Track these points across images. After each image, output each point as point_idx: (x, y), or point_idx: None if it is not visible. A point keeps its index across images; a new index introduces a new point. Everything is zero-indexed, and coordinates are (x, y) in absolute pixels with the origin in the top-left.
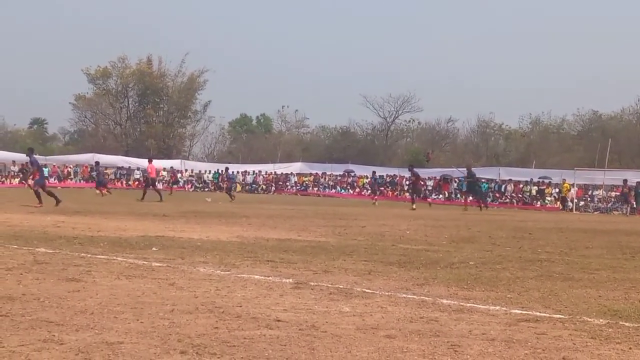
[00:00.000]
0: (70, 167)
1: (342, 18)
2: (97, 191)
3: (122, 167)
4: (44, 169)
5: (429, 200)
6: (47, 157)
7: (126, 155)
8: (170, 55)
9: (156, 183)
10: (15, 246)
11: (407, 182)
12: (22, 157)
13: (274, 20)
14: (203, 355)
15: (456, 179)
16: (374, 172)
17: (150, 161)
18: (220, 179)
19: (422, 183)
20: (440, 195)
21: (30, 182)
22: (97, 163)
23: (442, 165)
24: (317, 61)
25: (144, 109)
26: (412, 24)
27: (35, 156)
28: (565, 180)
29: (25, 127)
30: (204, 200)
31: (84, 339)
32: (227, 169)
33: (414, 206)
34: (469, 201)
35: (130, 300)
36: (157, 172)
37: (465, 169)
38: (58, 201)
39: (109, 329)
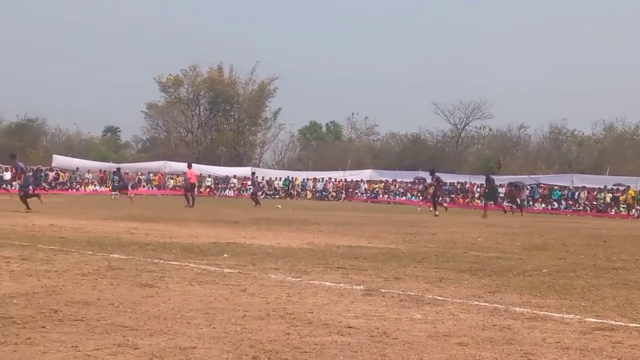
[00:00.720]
0: (142, 175)
1: (412, 26)
2: (117, 195)
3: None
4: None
5: (504, 207)
6: (121, 165)
7: (197, 162)
8: (241, 64)
9: (195, 189)
10: (90, 252)
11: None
12: (96, 165)
13: (344, 29)
14: None
15: (528, 187)
16: (432, 171)
17: (189, 167)
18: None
19: (442, 189)
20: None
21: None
22: (118, 169)
23: (514, 173)
24: (388, 68)
25: (215, 117)
26: (482, 31)
27: (19, 162)
28: (630, 187)
29: (99, 135)
30: (275, 207)
31: (157, 344)
32: (253, 173)
33: (437, 212)
34: (489, 206)
35: (202, 305)
36: (197, 178)
37: (529, 175)
38: (28, 209)
39: (182, 334)
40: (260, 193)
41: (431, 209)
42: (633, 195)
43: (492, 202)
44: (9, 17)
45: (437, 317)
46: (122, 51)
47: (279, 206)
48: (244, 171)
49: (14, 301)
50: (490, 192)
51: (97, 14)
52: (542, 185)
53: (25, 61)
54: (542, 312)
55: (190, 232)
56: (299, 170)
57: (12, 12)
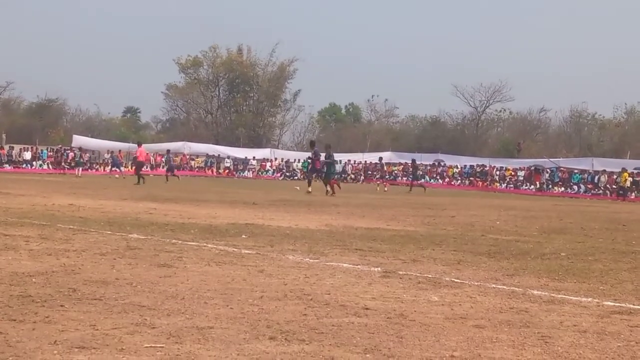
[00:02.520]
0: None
1: (432, 8)
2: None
3: (213, 155)
4: None
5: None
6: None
7: (216, 143)
8: (261, 45)
9: (143, 167)
10: (109, 232)
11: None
12: (115, 145)
13: (364, 10)
14: (292, 341)
15: (548, 170)
16: (380, 158)
17: (139, 145)
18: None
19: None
20: (532, 186)
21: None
22: (168, 151)
23: (534, 156)
24: (408, 51)
25: (234, 98)
26: (503, 12)
27: None
28: (625, 169)
29: (119, 116)
30: (293, 188)
31: (175, 323)
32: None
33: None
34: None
35: (220, 286)
36: (146, 156)
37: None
38: None
39: (200, 314)
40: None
41: (386, 188)
42: (626, 177)
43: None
44: None
45: (455, 299)
46: (143, 32)
47: (297, 188)
48: (263, 153)
49: (33, 280)
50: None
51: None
52: (562, 168)
53: (45, 42)
54: (559, 296)
55: (209, 213)
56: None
57: None
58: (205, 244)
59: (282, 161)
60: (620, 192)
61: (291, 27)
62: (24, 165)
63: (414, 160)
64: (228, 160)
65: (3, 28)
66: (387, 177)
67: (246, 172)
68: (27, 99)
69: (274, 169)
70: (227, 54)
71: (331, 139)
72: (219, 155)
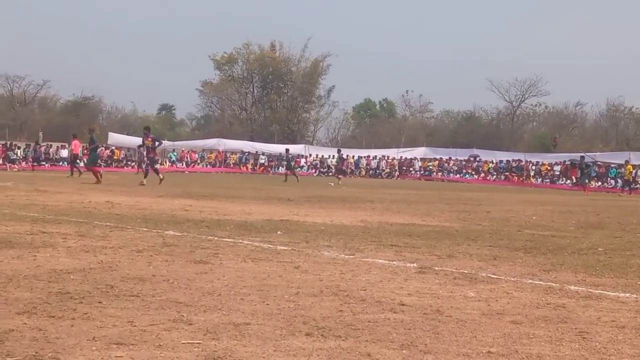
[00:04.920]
0: (196, 152)
1: (467, 1)
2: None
3: (248, 152)
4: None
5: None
6: (175, 143)
7: (251, 140)
8: (294, 41)
9: (77, 159)
10: (145, 229)
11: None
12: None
13: (398, 5)
14: (328, 337)
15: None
16: (339, 150)
17: (74, 137)
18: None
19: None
20: (568, 181)
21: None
22: (287, 150)
23: (570, 150)
24: (443, 45)
25: (268, 95)
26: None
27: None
28: (628, 161)
29: (154, 113)
30: (328, 184)
31: (211, 320)
32: (287, 150)
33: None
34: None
35: (256, 282)
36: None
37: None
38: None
39: (236, 310)
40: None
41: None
42: (630, 170)
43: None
44: None
45: (491, 295)
46: (177, 30)
47: (332, 184)
48: (298, 149)
49: (71, 277)
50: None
51: None
52: (599, 163)
53: (82, 40)
54: (597, 291)
55: (244, 210)
56: (353, 147)
57: None
58: (240, 241)
59: (316, 157)
60: (625, 185)
61: (325, 22)
62: (61, 163)
63: (287, 150)
64: (263, 157)
65: (40, 28)
66: (346, 170)
67: (281, 168)
68: (63, 97)
69: (308, 165)
70: (260, 51)
71: (365, 135)
72: (255, 152)
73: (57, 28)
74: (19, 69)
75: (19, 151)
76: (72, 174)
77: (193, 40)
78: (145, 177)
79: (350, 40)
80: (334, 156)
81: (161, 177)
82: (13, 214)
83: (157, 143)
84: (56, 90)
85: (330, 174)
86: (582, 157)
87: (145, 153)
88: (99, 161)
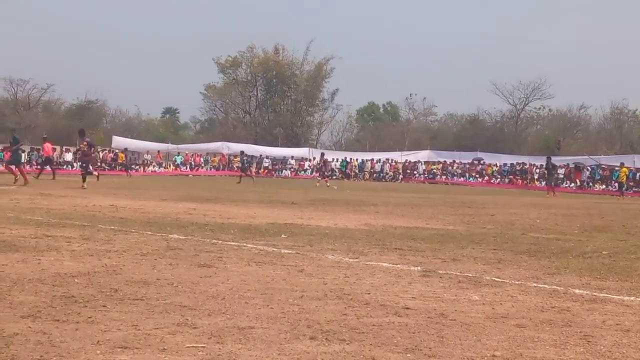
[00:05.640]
0: (201, 156)
1: (470, 4)
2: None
3: (253, 155)
4: None
5: None
6: (179, 146)
7: (255, 143)
8: (298, 45)
9: (51, 162)
10: (149, 232)
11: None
12: (153, 146)
13: (400, 7)
14: (332, 341)
15: (588, 167)
16: (322, 154)
17: (44, 140)
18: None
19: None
20: (572, 184)
21: None
22: (242, 152)
23: (574, 154)
24: (446, 49)
25: (272, 98)
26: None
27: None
28: (623, 164)
29: (158, 117)
30: (331, 188)
31: (216, 323)
32: (242, 152)
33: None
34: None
35: (260, 286)
36: (53, 151)
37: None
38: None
39: (240, 313)
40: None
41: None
42: (626, 172)
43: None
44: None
45: (495, 298)
46: (181, 33)
47: (335, 187)
48: (301, 152)
49: (76, 280)
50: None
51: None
52: (603, 166)
53: (85, 44)
54: (602, 294)
55: (248, 213)
56: (356, 151)
57: None
58: (245, 244)
59: (320, 160)
60: (619, 188)
61: (327, 25)
62: (64, 167)
63: (242, 152)
64: (267, 160)
65: (42, 31)
66: (328, 174)
67: (285, 171)
68: (67, 101)
69: (312, 169)
70: (264, 54)
71: (369, 138)
72: (260, 155)
73: (61, 31)
74: (23, 73)
75: (23, 155)
76: (54, 177)
77: (197, 43)
78: (84, 180)
79: (354, 44)
80: (337, 159)
81: (85, 184)
82: (17, 217)
83: (92, 148)
84: (60, 93)
85: (335, 177)
86: (549, 157)
87: (79, 157)
88: (22, 161)
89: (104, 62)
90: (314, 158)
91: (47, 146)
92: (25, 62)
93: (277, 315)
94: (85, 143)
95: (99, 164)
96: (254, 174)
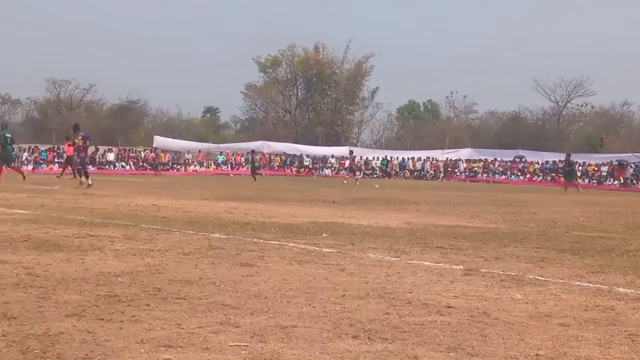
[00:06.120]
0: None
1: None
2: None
3: (293, 154)
4: None
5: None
6: (220, 145)
7: (295, 142)
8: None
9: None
10: (191, 232)
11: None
12: (194, 145)
13: (440, 3)
14: (375, 340)
15: (632, 165)
16: (351, 151)
17: (67, 140)
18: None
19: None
20: (616, 182)
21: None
22: (252, 151)
23: (617, 151)
24: (487, 45)
25: (312, 97)
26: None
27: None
28: None
29: (198, 116)
30: (372, 186)
31: (258, 322)
32: (252, 151)
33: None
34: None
35: (302, 285)
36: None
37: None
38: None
39: (282, 312)
40: (359, 173)
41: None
42: None
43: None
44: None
45: (539, 297)
46: (222, 32)
47: (376, 185)
48: (342, 151)
49: (119, 279)
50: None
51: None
52: None
53: (127, 44)
54: None
55: (289, 212)
56: (397, 149)
57: None
58: (286, 243)
59: (360, 159)
60: None
61: (368, 24)
62: (107, 167)
63: (252, 152)
64: (307, 159)
65: (85, 31)
66: (359, 170)
67: (325, 170)
68: (109, 101)
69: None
70: (304, 53)
71: (410, 136)
72: (300, 154)
73: (102, 31)
74: (65, 73)
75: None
76: (75, 175)
77: (237, 42)
78: (86, 177)
79: (394, 42)
80: (378, 158)
81: (90, 182)
82: (61, 217)
83: (87, 142)
84: (102, 94)
85: (376, 175)
86: (568, 154)
87: (76, 153)
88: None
89: (146, 62)
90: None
91: (69, 145)
92: (67, 62)
93: (319, 314)
94: (80, 138)
95: (141, 163)
96: (263, 172)
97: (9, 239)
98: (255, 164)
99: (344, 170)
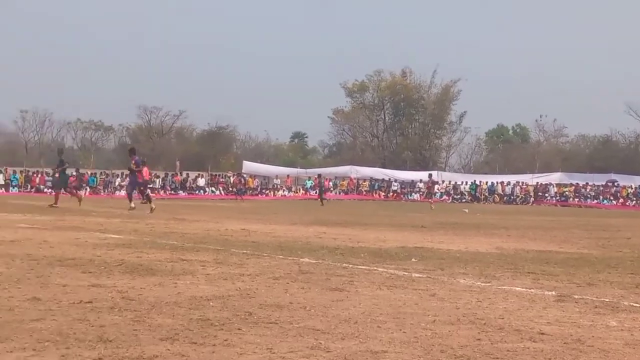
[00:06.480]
0: (329, 180)
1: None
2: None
3: (381, 179)
4: None
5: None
6: (308, 170)
7: (383, 167)
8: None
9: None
10: (281, 256)
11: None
12: (284, 171)
13: (528, 27)
14: None
15: None
16: (430, 175)
17: (144, 164)
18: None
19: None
20: None
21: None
22: (319, 175)
23: None
24: (576, 68)
25: (400, 121)
26: None
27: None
28: None
29: (286, 142)
30: (462, 211)
31: (349, 347)
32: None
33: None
34: None
35: (392, 310)
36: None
37: None
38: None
39: (373, 337)
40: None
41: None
42: None
43: None
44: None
45: (634, 324)
46: (309, 58)
47: (466, 210)
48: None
49: (211, 304)
50: None
51: (287, 25)
52: None
53: (215, 71)
54: None
55: (378, 237)
56: (486, 173)
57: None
58: (375, 268)
59: (449, 184)
60: None
61: (454, 48)
62: (197, 192)
63: (319, 175)
64: (395, 184)
65: (175, 59)
66: (433, 194)
67: (413, 194)
68: (199, 127)
69: (441, 192)
70: (391, 78)
71: (499, 161)
72: (389, 179)
73: (191, 59)
74: (156, 100)
75: (157, 180)
76: (143, 200)
77: (324, 68)
78: (130, 200)
79: (481, 66)
80: (467, 182)
81: (132, 206)
82: (154, 242)
83: (140, 166)
84: (192, 120)
85: (464, 200)
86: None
87: (129, 177)
88: (68, 184)
89: (234, 89)
90: (443, 181)
91: (145, 171)
92: (158, 90)
93: (410, 340)
94: (134, 162)
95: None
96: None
97: (104, 263)
98: (323, 188)
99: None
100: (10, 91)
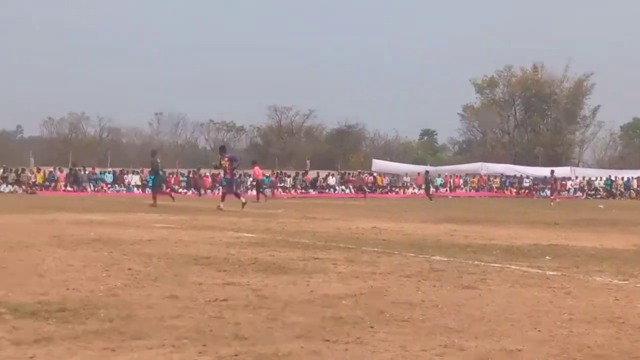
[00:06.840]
0: (459, 177)
1: None
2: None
3: (513, 175)
4: None
5: None
6: (438, 167)
7: (514, 163)
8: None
9: (261, 185)
10: (412, 254)
11: None
12: (413, 169)
13: None
14: None
15: None
16: (552, 171)
17: (255, 164)
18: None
19: None
20: None
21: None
22: (426, 172)
23: None
24: None
25: (531, 117)
26: None
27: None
28: None
29: (416, 139)
30: (597, 207)
31: (483, 346)
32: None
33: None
34: None
35: (526, 308)
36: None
37: None
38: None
39: (507, 336)
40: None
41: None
42: None
43: None
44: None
45: None
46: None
47: (601, 206)
48: (563, 171)
49: (343, 302)
50: None
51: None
52: None
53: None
54: None
55: (510, 234)
56: (621, 168)
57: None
58: (508, 265)
59: (583, 179)
60: None
61: (586, 40)
62: (327, 190)
63: (426, 172)
64: (527, 180)
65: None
66: (558, 191)
67: (546, 191)
68: (328, 126)
69: (575, 188)
70: (522, 73)
71: (635, 155)
72: (520, 175)
73: (321, 60)
74: (286, 100)
75: (288, 179)
76: (258, 200)
77: (453, 64)
78: (222, 199)
79: (615, 58)
80: (602, 178)
81: (244, 200)
82: (285, 240)
83: (234, 163)
84: (321, 119)
85: (599, 196)
86: None
87: (222, 175)
88: (163, 185)
89: (363, 87)
90: (576, 177)
91: (257, 170)
92: (289, 89)
93: (545, 339)
94: (226, 159)
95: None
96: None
97: (238, 262)
98: (429, 185)
99: (566, 192)
100: (145, 95)
